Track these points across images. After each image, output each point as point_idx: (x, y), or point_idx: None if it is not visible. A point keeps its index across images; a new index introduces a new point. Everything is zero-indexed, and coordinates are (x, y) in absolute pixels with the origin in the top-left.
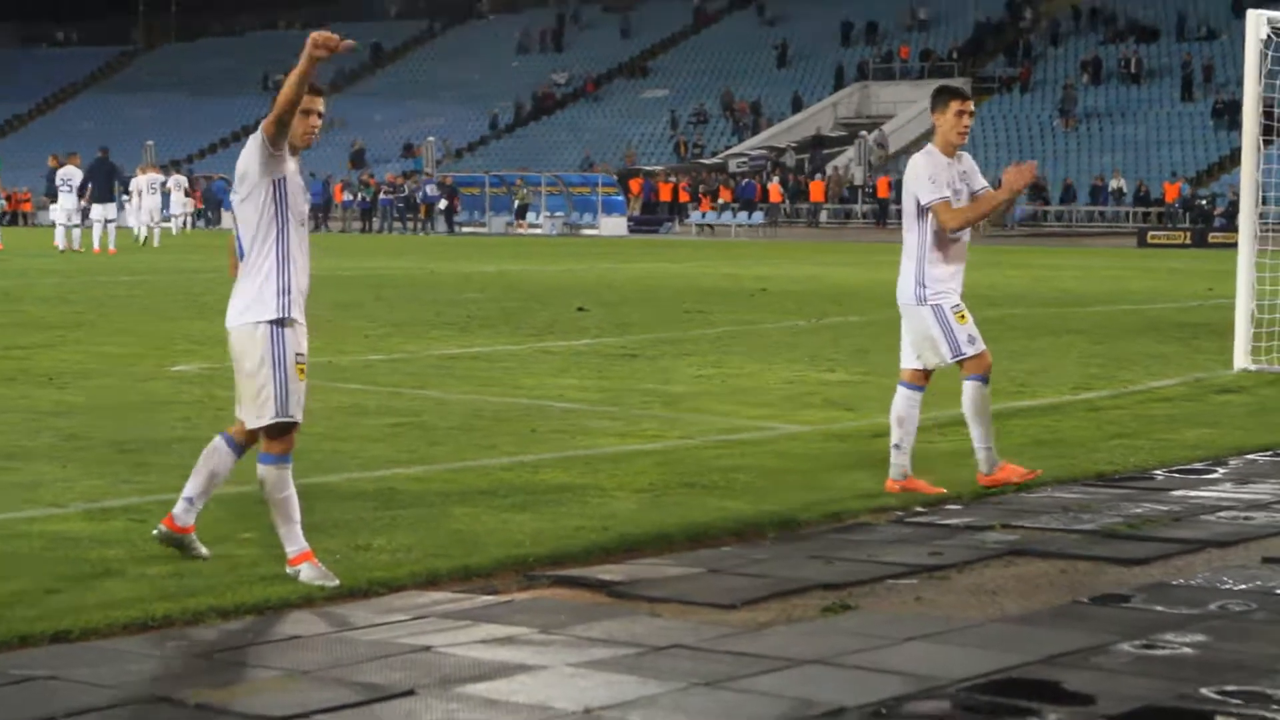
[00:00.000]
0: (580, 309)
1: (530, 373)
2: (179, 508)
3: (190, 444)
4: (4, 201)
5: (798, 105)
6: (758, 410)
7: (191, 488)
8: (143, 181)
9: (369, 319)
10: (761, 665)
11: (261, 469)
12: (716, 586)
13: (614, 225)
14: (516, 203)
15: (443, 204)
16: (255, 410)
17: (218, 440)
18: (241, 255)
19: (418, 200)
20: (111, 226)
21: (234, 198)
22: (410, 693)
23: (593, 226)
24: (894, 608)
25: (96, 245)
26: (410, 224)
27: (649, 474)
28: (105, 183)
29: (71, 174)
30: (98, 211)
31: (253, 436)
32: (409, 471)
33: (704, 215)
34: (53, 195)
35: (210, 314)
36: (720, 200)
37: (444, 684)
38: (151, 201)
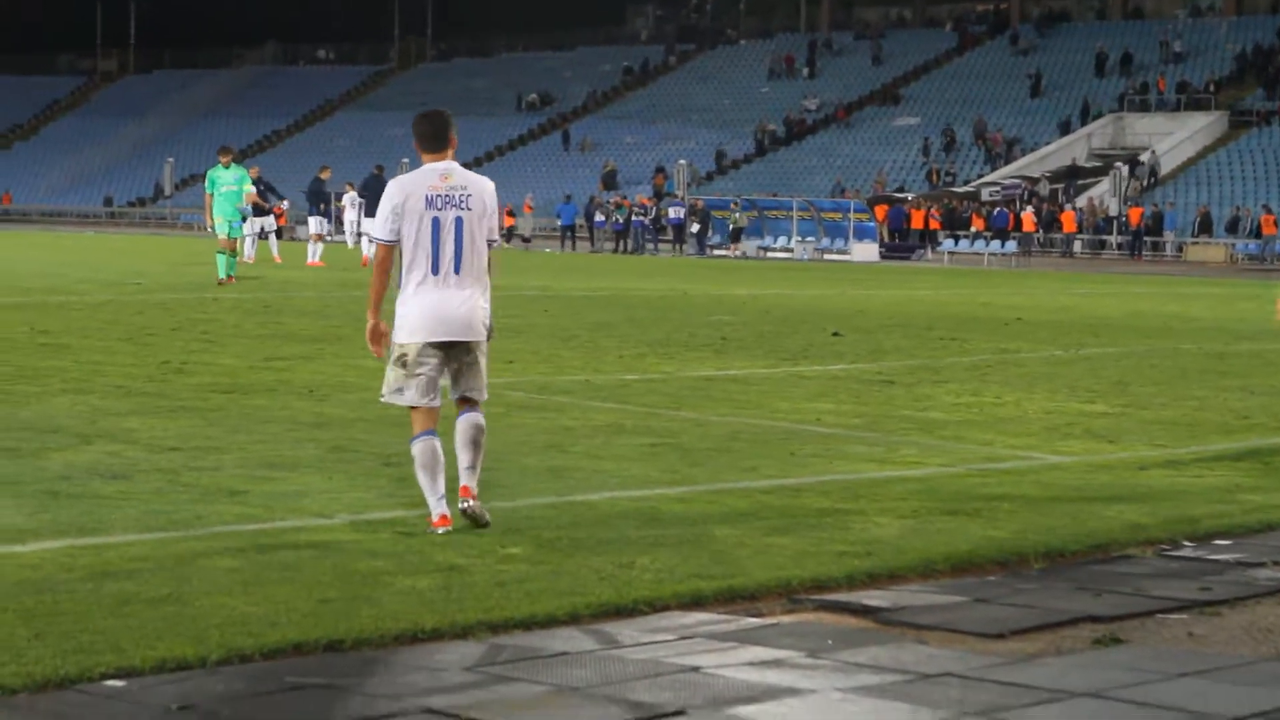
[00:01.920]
0: (835, 334)
1: (786, 396)
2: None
3: (451, 457)
4: (275, 218)
5: (1052, 135)
6: (1018, 439)
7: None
8: (346, 199)
9: (623, 339)
10: (1032, 696)
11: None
12: (983, 615)
13: (865, 251)
14: (730, 226)
15: (695, 227)
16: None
17: (432, 441)
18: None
19: (664, 223)
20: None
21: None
22: (681, 713)
23: (844, 252)
24: (1165, 642)
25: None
26: (658, 245)
27: (910, 500)
28: (376, 199)
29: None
30: (369, 225)
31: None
32: (670, 492)
33: (955, 243)
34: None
35: None
36: (972, 229)
37: (714, 705)
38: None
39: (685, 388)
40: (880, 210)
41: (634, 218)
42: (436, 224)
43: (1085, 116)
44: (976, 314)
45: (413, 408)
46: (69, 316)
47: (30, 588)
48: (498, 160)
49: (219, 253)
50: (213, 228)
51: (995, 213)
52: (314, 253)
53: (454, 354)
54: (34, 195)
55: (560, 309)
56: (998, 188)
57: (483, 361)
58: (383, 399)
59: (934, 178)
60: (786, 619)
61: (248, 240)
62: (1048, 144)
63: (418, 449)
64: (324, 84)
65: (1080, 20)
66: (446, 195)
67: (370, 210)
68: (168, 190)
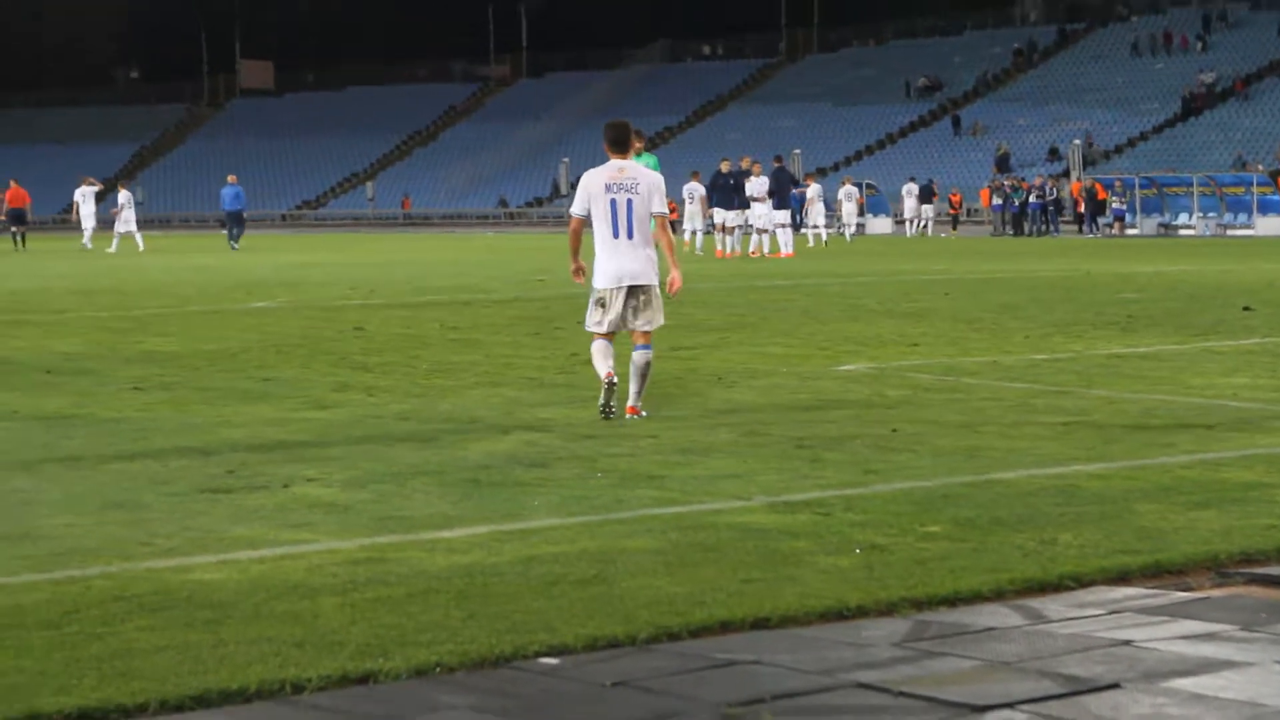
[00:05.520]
0: (1246, 308)
1: (1199, 372)
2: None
3: (863, 440)
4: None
5: None
6: None
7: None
8: (812, 190)
9: (1029, 320)
10: None
11: (649, 353)
12: None
13: (1270, 225)
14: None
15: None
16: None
17: (606, 343)
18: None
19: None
20: (785, 231)
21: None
22: (1115, 686)
23: (1247, 227)
24: None
25: (784, 250)
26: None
27: None
28: (785, 190)
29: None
30: (780, 217)
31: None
32: (1088, 469)
33: None
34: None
35: (867, 315)
36: None
37: (1148, 678)
38: (818, 209)
39: (1095, 366)
40: None
41: (1032, 200)
42: (614, 204)
43: None
44: None
45: (600, 334)
46: (477, 313)
47: (460, 571)
48: (889, 148)
49: None
50: None
51: None
52: (727, 244)
53: (633, 295)
54: (434, 200)
55: (961, 292)
56: None
57: (655, 302)
58: (587, 328)
59: None
60: (1216, 593)
61: (722, 236)
62: None
63: (596, 345)
64: (713, 79)
65: None
66: (621, 183)
67: (780, 202)
68: (564, 189)
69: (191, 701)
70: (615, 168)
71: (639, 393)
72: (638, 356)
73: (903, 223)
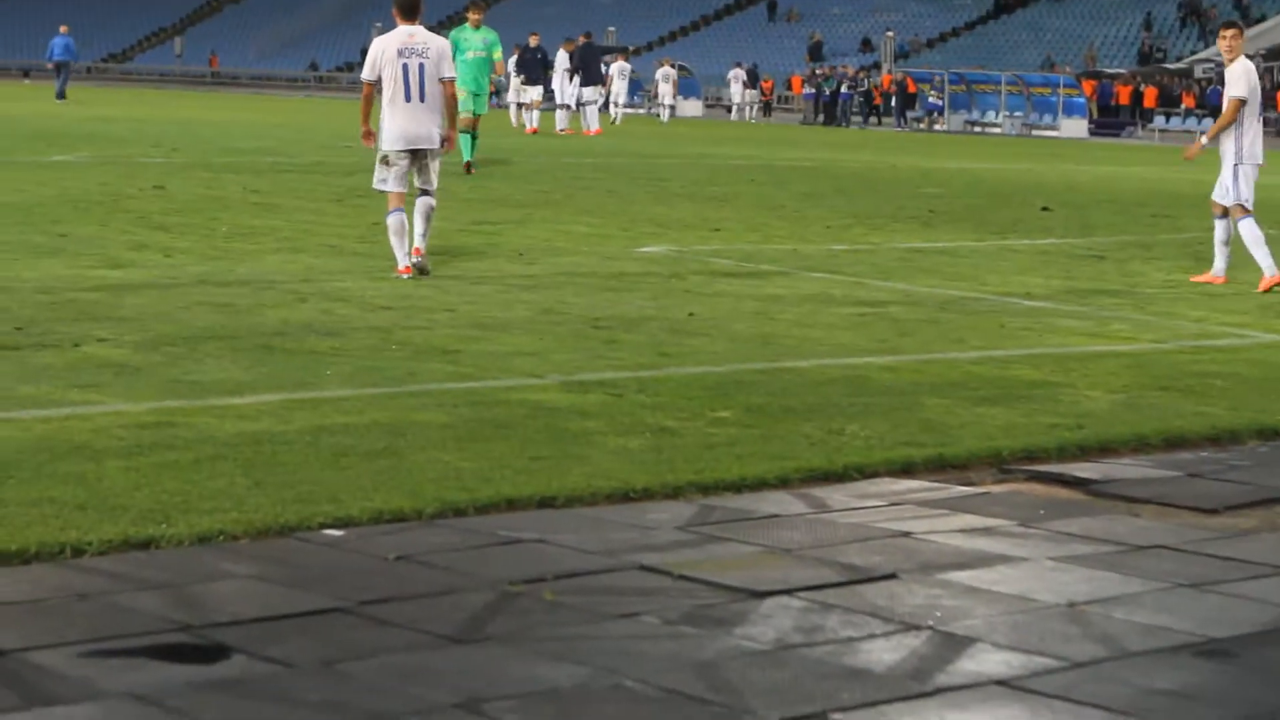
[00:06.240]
0: (1044, 209)
1: (995, 270)
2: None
3: (660, 323)
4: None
5: (1271, 11)
6: (1232, 317)
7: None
8: (614, 68)
9: (831, 210)
10: (1247, 571)
11: (432, 200)
12: (1196, 491)
13: (1074, 127)
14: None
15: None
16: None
17: (400, 215)
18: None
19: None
20: (593, 109)
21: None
22: (892, 576)
23: (1052, 128)
24: None
25: (591, 127)
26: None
27: (1121, 375)
28: (594, 66)
29: (563, 58)
30: (589, 94)
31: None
32: (879, 360)
33: (1166, 120)
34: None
35: (671, 198)
36: (1184, 106)
37: (925, 569)
38: (620, 86)
39: (894, 259)
40: (1088, 86)
41: (843, 90)
42: (405, 68)
43: None
44: (1188, 191)
45: (390, 192)
46: (280, 178)
47: (249, 439)
48: (703, 30)
49: (462, 132)
50: None
51: (1208, 90)
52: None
53: (418, 157)
54: (243, 60)
55: (767, 179)
56: (1211, 65)
57: (434, 164)
58: (374, 187)
59: (1147, 53)
60: (997, 488)
61: (521, 109)
62: (1261, 20)
63: (392, 220)
64: None
65: None
66: (412, 48)
67: (589, 78)
68: None
69: None
70: (406, 33)
71: (424, 235)
72: (422, 202)
73: (714, 105)
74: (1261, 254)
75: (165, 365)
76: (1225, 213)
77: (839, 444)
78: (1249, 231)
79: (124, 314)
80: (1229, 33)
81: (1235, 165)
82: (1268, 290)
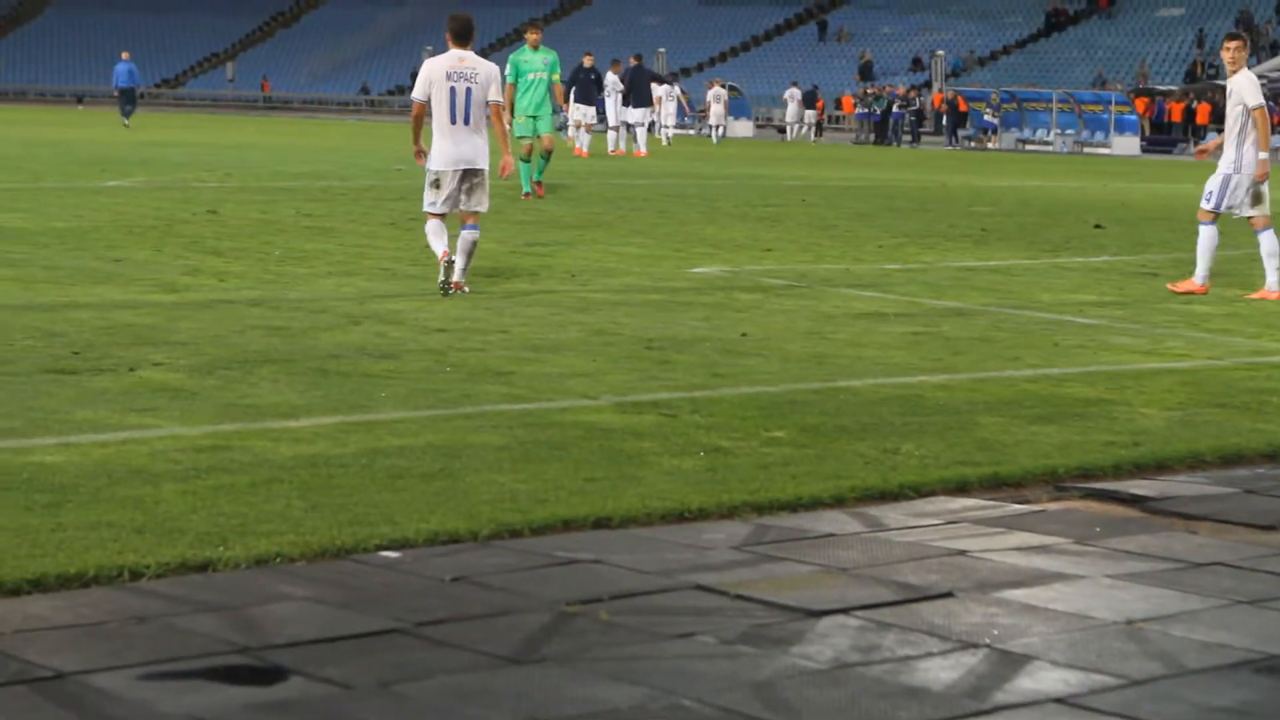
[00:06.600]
0: (1097, 226)
1: (1048, 288)
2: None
3: (713, 343)
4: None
5: None
6: None
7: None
8: (661, 90)
9: (884, 229)
10: None
11: (476, 234)
12: (1254, 507)
13: (1126, 145)
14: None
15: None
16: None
17: (439, 222)
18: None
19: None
20: (642, 130)
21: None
22: (949, 594)
23: (1104, 145)
24: None
25: (639, 149)
26: (918, 138)
27: (1177, 393)
28: (644, 88)
29: (612, 80)
30: (638, 115)
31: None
32: (933, 379)
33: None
34: (586, 97)
35: (724, 219)
36: None
37: (981, 588)
38: (668, 108)
39: (946, 278)
40: (1140, 104)
41: (894, 110)
42: (453, 92)
43: None
44: None
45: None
46: (333, 202)
47: (304, 461)
48: (753, 50)
49: (522, 160)
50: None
51: None
52: (581, 141)
53: (467, 176)
54: (295, 84)
55: (819, 199)
56: (1264, 81)
57: (483, 185)
58: (424, 210)
59: (1198, 70)
60: (1053, 506)
61: (577, 132)
62: None
63: (431, 224)
64: None
65: None
66: (461, 72)
67: (639, 99)
68: None
69: (28, 585)
70: (456, 57)
71: (464, 269)
72: (466, 235)
73: (764, 126)
74: (1204, 262)
75: (220, 389)
76: (1215, 219)
77: (894, 463)
78: (1207, 236)
79: (179, 338)
80: (1233, 44)
81: (1229, 175)
82: (1180, 293)
